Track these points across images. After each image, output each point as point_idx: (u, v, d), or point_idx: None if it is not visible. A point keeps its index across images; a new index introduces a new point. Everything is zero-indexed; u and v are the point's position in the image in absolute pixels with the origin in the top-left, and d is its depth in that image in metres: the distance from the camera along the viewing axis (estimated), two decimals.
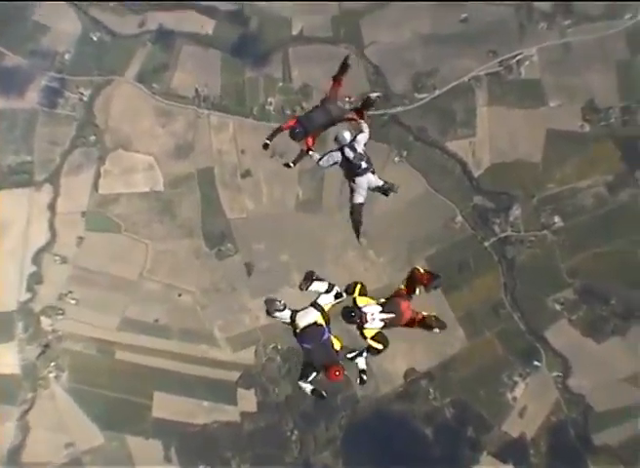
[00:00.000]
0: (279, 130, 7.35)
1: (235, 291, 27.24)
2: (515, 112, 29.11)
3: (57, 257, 28.27)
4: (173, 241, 27.71)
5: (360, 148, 6.94)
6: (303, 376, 6.43)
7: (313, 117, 6.99)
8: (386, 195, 7.05)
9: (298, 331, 6.39)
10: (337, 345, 6.41)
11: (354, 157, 6.98)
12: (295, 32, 28.54)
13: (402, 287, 6.69)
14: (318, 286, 6.60)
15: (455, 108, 28.73)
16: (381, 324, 6.37)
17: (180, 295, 27.66)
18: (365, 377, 6.84)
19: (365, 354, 6.70)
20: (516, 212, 29.14)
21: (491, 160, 29.04)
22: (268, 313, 6.57)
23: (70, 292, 27.95)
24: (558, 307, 29.18)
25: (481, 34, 28.69)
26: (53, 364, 27.93)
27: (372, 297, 6.52)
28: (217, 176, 27.53)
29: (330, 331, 6.37)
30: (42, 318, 28.05)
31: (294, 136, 6.74)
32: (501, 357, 29.27)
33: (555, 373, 29.37)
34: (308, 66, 28.55)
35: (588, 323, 29.17)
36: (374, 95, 7.38)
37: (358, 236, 6.91)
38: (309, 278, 6.68)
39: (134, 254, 27.80)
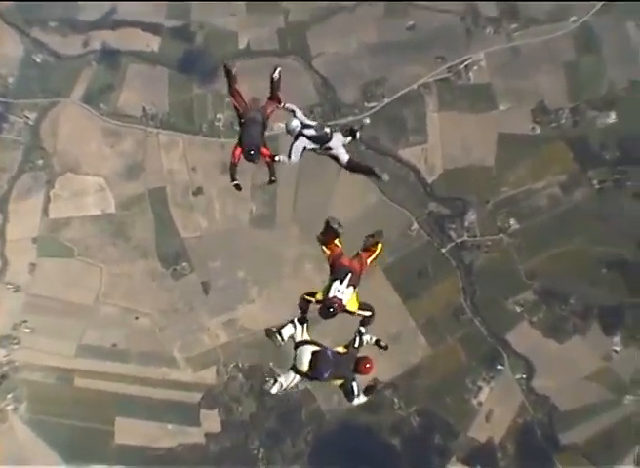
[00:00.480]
0: (234, 166, 7.75)
1: (193, 310, 27.46)
2: (466, 117, 29.71)
3: (9, 286, 28.27)
4: (127, 263, 27.82)
5: (309, 120, 7.46)
6: (350, 394, 6.63)
7: (251, 133, 7.36)
8: (354, 137, 7.93)
9: (309, 374, 6.33)
10: (341, 350, 6.51)
11: (316, 129, 7.29)
12: (241, 46, 28.79)
13: (326, 250, 6.82)
14: (286, 331, 6.69)
15: (405, 116, 29.32)
16: (352, 288, 6.48)
17: (137, 318, 27.83)
18: (383, 343, 7.02)
19: (363, 330, 6.90)
20: (471, 216, 29.73)
21: (444, 166, 29.63)
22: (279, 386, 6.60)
23: (25, 320, 27.93)
24: (518, 309, 29.79)
25: (428, 41, 29.30)
26: (10, 395, 27.91)
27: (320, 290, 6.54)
28: (169, 195, 27.73)
29: (327, 347, 6.43)
30: None
31: (251, 158, 7.39)
32: (465, 362, 29.86)
33: (519, 376, 29.93)
34: (256, 80, 28.48)
35: (549, 323, 29.78)
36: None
37: (378, 175, 7.82)
38: (272, 333, 6.75)
39: (88, 279, 27.85)
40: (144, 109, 28.43)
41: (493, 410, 29.54)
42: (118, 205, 28.28)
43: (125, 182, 28.42)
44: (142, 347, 27.97)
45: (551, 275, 29.69)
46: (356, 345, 6.56)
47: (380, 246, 6.81)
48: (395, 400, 29.00)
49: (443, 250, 29.23)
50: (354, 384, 6.38)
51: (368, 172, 7.37)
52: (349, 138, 7.29)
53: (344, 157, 6.99)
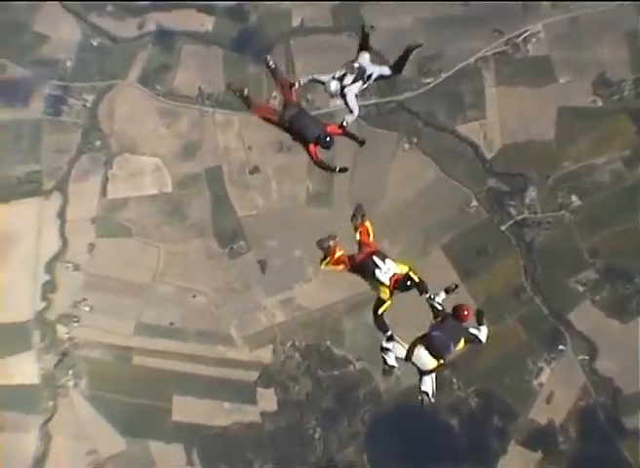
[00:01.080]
0: (321, 162, 7.59)
1: (250, 289, 27.97)
2: (525, 91, 29.69)
3: (69, 265, 29.24)
4: (184, 242, 28.50)
5: (338, 72, 7.20)
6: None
7: (306, 124, 7.21)
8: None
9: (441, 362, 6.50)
10: (435, 322, 6.63)
11: (350, 72, 7.12)
12: (295, 24, 29.16)
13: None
14: (391, 359, 7.09)
15: (463, 91, 29.42)
16: (388, 261, 6.53)
17: (194, 297, 28.45)
18: (452, 286, 7.11)
19: (429, 295, 6.83)
20: (532, 193, 29.68)
21: (502, 141, 29.68)
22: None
23: (84, 299, 28.87)
24: (581, 288, 29.57)
25: (484, 14, 29.28)
26: (71, 372, 28.97)
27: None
28: (225, 174, 28.33)
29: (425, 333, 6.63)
30: (58, 326, 29.08)
31: (327, 145, 7.37)
32: (525, 342, 29.74)
33: (581, 357, 29.72)
34: (311, 57, 29.16)
35: (612, 303, 29.52)
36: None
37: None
38: (388, 373, 7.11)
39: (145, 258, 28.63)
40: (200, 89, 29.13)
41: (554, 392, 29.40)
42: (175, 184, 29.03)
43: (181, 162, 29.13)
44: (199, 326, 28.64)
45: (614, 253, 29.40)
46: (440, 308, 6.57)
47: (367, 221, 6.93)
48: (454, 380, 29.01)
49: (503, 227, 29.17)
50: (471, 330, 6.68)
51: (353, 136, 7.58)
52: (368, 55, 7.49)
53: (385, 70, 7.31)
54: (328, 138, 6.90)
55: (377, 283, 6.48)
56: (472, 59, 29.23)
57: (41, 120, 30.21)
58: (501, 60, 29.77)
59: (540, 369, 29.63)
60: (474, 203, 29.08)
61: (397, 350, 6.76)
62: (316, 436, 29.20)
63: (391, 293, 6.50)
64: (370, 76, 7.09)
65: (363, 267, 6.51)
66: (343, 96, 6.98)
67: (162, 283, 28.90)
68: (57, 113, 30.17)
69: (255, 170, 28.21)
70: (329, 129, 7.05)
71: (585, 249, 29.42)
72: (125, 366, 28.97)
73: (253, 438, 29.28)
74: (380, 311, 6.67)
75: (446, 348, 6.37)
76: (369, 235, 7.00)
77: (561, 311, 29.60)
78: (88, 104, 30.18)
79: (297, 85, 7.50)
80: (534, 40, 29.78)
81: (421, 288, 6.46)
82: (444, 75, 29.16)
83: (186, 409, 28.90)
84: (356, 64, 6.91)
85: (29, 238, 29.90)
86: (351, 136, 7.29)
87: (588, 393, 29.64)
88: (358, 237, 7.04)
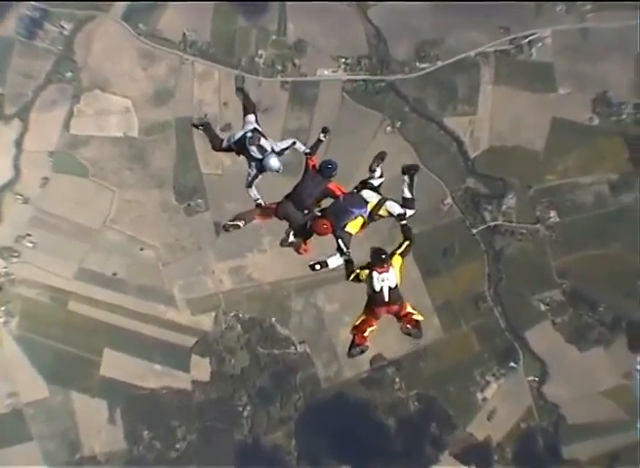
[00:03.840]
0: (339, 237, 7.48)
1: (201, 250, 29.33)
2: (521, 95, 31.36)
3: (18, 197, 30.50)
4: (141, 191, 29.74)
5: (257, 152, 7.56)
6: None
7: (309, 186, 7.54)
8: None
9: (354, 190, 7.22)
10: (352, 228, 7.04)
11: (254, 139, 7.55)
12: None
13: (408, 305, 7.12)
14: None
15: (457, 83, 30.90)
16: (377, 289, 6.81)
17: (142, 249, 29.76)
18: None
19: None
20: (510, 200, 31.43)
21: (490, 142, 31.48)
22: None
23: (29, 234, 30.05)
24: (543, 308, 31.34)
25: (495, 8, 30.48)
26: (3, 308, 30.82)
27: (401, 270, 7.06)
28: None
29: (363, 216, 7.13)
30: None
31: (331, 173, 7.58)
32: (477, 353, 31.68)
33: (531, 378, 31.57)
34: (306, 21, 30.11)
35: (573, 328, 31.32)
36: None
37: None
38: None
39: (99, 201, 29.88)
40: (184, 35, 30.34)
41: (497, 409, 31.24)
42: (141, 129, 30.34)
43: (152, 107, 30.29)
44: (143, 280, 30.00)
45: (584, 277, 31.11)
46: (338, 237, 7.10)
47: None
48: (397, 380, 30.72)
49: (474, 230, 30.86)
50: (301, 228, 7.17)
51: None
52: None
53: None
54: (330, 165, 7.33)
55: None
56: (473, 52, 30.73)
57: (13, 40, 31.03)
58: (502, 59, 31.39)
59: (488, 383, 31.75)
60: (449, 200, 30.56)
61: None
62: (245, 414, 30.81)
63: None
64: (255, 129, 7.60)
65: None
66: (280, 152, 7.54)
67: (111, 230, 30.28)
68: (30, 36, 31.22)
69: (227, 127, 29.39)
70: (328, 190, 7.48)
71: (555, 268, 31.10)
72: (60, 310, 30.38)
73: (180, 406, 30.83)
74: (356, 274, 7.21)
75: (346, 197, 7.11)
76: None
77: (519, 327, 31.72)
78: (65, 32, 31.30)
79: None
80: (540, 44, 31.43)
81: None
82: (440, 63, 30.41)
83: (116, 365, 30.29)
84: (249, 134, 7.44)
85: None
86: (319, 142, 7.82)
87: (531, 416, 31.54)
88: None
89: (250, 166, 7.37)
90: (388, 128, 30.87)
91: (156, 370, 31.00)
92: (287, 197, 7.29)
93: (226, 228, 7.42)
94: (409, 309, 6.91)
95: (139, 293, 30.77)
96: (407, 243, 7.05)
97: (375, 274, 6.57)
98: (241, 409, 31.21)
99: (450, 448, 31.45)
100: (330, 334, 30.60)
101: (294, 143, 7.59)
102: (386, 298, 6.64)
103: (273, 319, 30.84)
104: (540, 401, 31.25)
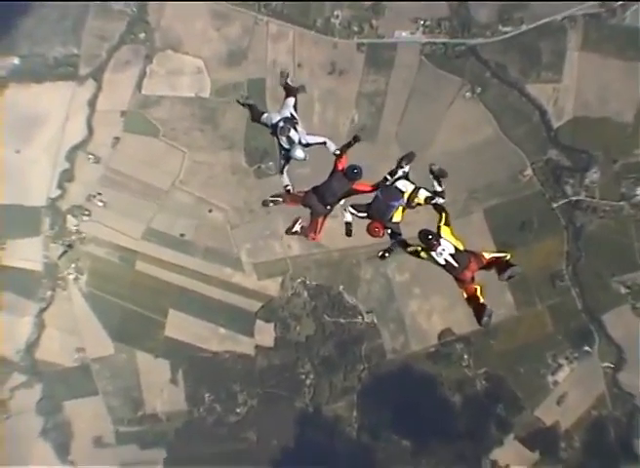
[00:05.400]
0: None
1: (270, 214, 30.31)
2: (611, 62, 31.17)
3: (90, 156, 32.23)
4: (211, 152, 30.99)
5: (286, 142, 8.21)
6: (354, 207, 7.96)
7: (334, 186, 8.08)
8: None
9: (388, 181, 7.92)
10: (396, 215, 7.80)
11: (286, 128, 8.16)
12: None
13: (485, 254, 7.51)
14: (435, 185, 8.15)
15: (542, 48, 31.11)
16: (443, 262, 7.34)
17: (210, 211, 30.95)
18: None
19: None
20: (594, 175, 31.38)
21: (574, 112, 31.48)
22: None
23: (99, 193, 31.81)
24: (623, 290, 31.08)
25: None
26: (73, 265, 33.12)
27: (454, 234, 7.57)
28: (267, 88, 30.24)
29: (403, 205, 7.83)
30: (69, 217, 32.45)
31: (355, 176, 8.11)
32: (550, 334, 31.81)
33: (606, 364, 31.44)
34: None
35: None
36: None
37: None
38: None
39: (168, 162, 31.22)
40: None
41: (567, 394, 31.61)
42: (213, 90, 31.57)
43: (224, 68, 31.42)
44: (210, 242, 31.24)
45: None
46: (389, 225, 7.91)
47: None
48: (465, 356, 31.21)
49: (554, 204, 30.72)
50: (364, 214, 7.98)
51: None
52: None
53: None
54: (355, 170, 7.83)
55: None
56: (560, 16, 30.82)
57: (88, 3, 32.00)
58: (592, 23, 31.23)
59: (560, 366, 32.05)
60: (529, 172, 30.57)
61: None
62: (307, 382, 31.85)
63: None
64: (291, 114, 8.21)
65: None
66: (307, 145, 8.02)
67: (180, 191, 31.62)
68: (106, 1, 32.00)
69: (301, 89, 29.02)
70: (358, 186, 8.10)
71: (638, 249, 30.76)
72: (127, 269, 32.02)
73: (242, 370, 32.20)
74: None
75: (384, 193, 7.92)
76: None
77: (596, 310, 32.01)
78: None
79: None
80: (634, 7, 31.36)
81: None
82: (525, 27, 30.18)
83: (180, 327, 31.67)
84: (281, 123, 7.98)
85: (56, 122, 33.21)
86: (349, 145, 8.30)
87: (604, 404, 31.51)
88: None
89: (280, 153, 8.11)
90: (468, 93, 31.24)
91: (220, 334, 32.39)
92: (314, 190, 7.95)
93: (266, 203, 8.29)
94: (488, 256, 7.46)
95: (205, 256, 32.29)
96: (444, 214, 7.67)
97: (432, 253, 7.29)
98: (304, 377, 32.35)
99: (515, 431, 32.17)
100: (398, 305, 31.33)
101: (324, 142, 8.10)
102: (455, 264, 7.24)
103: (341, 287, 31.81)
104: (614, 389, 31.25)
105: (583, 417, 31.12)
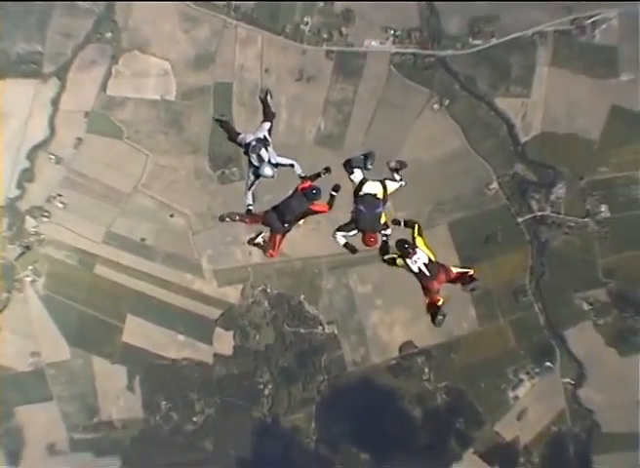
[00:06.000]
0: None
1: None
2: (580, 79, 31.07)
3: (52, 157, 31.66)
4: (175, 156, 30.55)
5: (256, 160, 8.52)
6: (342, 228, 8.27)
7: (292, 205, 8.40)
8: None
9: (360, 193, 8.20)
10: (382, 219, 8.18)
11: (257, 147, 8.50)
12: None
13: (453, 268, 8.04)
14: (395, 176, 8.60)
15: (511, 62, 31.13)
16: (416, 270, 7.79)
17: (171, 216, 30.54)
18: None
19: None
20: (560, 190, 31.29)
21: (542, 127, 31.27)
22: (347, 167, 8.52)
23: (60, 195, 31.28)
24: (586, 307, 31.07)
25: None
26: (31, 267, 32.49)
27: (427, 245, 8.05)
28: (234, 93, 29.82)
29: (383, 208, 8.23)
30: (27, 218, 31.77)
31: (315, 197, 8.38)
32: (512, 349, 31.60)
33: (567, 380, 31.37)
34: None
35: (616, 331, 30.96)
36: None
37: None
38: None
39: (131, 165, 30.79)
40: None
41: (528, 409, 31.64)
42: (179, 93, 31.25)
43: (191, 71, 31.02)
44: (171, 248, 30.96)
45: (632, 278, 30.63)
46: (384, 231, 8.25)
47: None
48: (426, 370, 31.07)
49: (519, 219, 30.87)
50: (354, 231, 8.22)
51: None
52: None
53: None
54: (314, 192, 8.20)
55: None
56: (530, 31, 30.85)
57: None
58: (562, 40, 31.09)
59: (520, 381, 32.05)
60: (495, 185, 30.53)
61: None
62: (266, 392, 31.54)
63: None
64: (264, 136, 8.60)
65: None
66: (276, 165, 8.41)
67: (142, 194, 31.22)
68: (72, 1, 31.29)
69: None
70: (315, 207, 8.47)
71: (602, 266, 30.78)
72: (86, 273, 31.54)
73: (200, 379, 31.76)
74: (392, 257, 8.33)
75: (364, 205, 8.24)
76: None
77: (558, 325, 32.05)
78: None
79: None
80: (604, 26, 30.98)
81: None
82: (495, 41, 30.18)
83: (138, 333, 31.16)
84: (253, 142, 8.38)
85: (18, 120, 32.59)
86: (318, 175, 8.67)
87: (564, 420, 31.43)
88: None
89: (249, 171, 8.49)
90: (436, 105, 30.99)
91: (178, 341, 31.93)
92: (273, 208, 8.34)
93: (222, 218, 8.76)
94: (455, 270, 7.99)
95: (166, 261, 31.83)
96: (416, 226, 8.19)
97: (407, 261, 7.77)
98: (262, 386, 31.99)
99: (475, 445, 31.99)
100: (360, 317, 31.06)
101: (292, 165, 8.50)
102: (428, 273, 7.73)
103: (302, 296, 31.52)
104: (574, 405, 31.19)
105: (543, 433, 31.01)
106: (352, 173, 8.40)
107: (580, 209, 30.59)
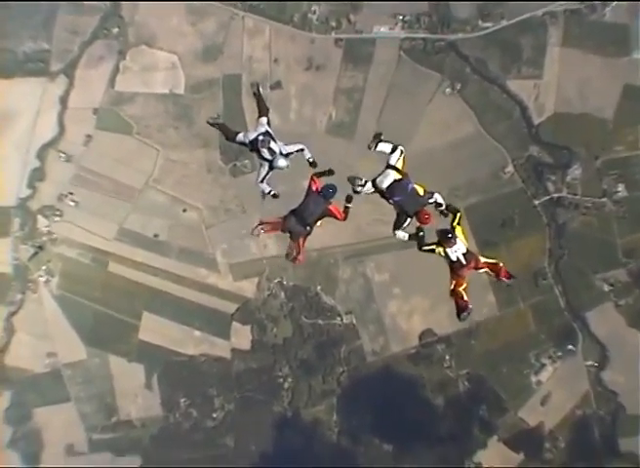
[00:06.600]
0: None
1: (245, 213, 29.70)
2: (591, 58, 30.64)
3: (62, 155, 31.34)
4: (186, 150, 30.15)
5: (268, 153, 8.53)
6: (398, 226, 8.16)
7: (311, 206, 8.42)
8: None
9: (385, 191, 8.07)
10: (420, 191, 8.06)
11: (266, 141, 8.47)
12: None
13: (482, 259, 8.23)
14: (384, 146, 8.40)
15: (522, 44, 30.78)
16: (455, 259, 7.88)
17: (184, 211, 30.13)
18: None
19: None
20: (576, 171, 30.78)
21: (555, 108, 30.83)
22: (354, 191, 8.32)
23: (71, 193, 30.94)
24: (606, 288, 30.58)
25: None
26: (44, 267, 32.18)
27: (464, 233, 8.16)
28: (244, 85, 29.50)
29: (410, 181, 8.09)
30: (39, 217, 31.63)
31: (330, 194, 8.38)
32: (533, 333, 31.04)
33: (590, 362, 30.90)
34: None
35: (637, 311, 30.40)
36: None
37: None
38: (377, 138, 8.38)
39: (142, 160, 30.43)
40: None
41: (551, 394, 31.17)
42: (188, 86, 30.84)
43: (200, 64, 30.67)
44: (185, 243, 30.56)
45: None
46: (431, 200, 8.17)
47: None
48: (447, 357, 30.66)
49: (536, 201, 30.68)
50: (408, 219, 8.02)
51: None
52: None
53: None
54: (331, 189, 8.19)
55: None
56: (540, 12, 30.65)
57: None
58: (573, 19, 30.69)
59: (543, 365, 31.58)
60: (510, 168, 30.05)
61: (393, 158, 8.33)
62: (285, 385, 31.07)
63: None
64: (266, 131, 8.54)
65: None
66: (287, 154, 8.40)
67: (154, 190, 30.84)
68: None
69: (277, 85, 29.35)
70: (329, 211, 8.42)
71: (621, 246, 30.36)
72: (100, 271, 31.17)
73: (218, 374, 31.37)
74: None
75: (394, 194, 8.05)
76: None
77: (579, 308, 31.20)
78: None
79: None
80: (614, 4, 30.45)
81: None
82: (505, 22, 29.81)
83: (155, 330, 30.72)
84: (260, 137, 8.36)
85: (27, 119, 32.20)
86: (321, 174, 8.66)
87: (588, 403, 30.90)
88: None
89: (261, 164, 8.51)
90: (448, 89, 30.63)
91: (195, 337, 31.43)
92: (292, 212, 8.36)
93: (252, 233, 8.70)
94: (483, 260, 8.18)
95: (180, 256, 31.45)
96: (458, 214, 8.19)
97: (448, 250, 7.85)
98: (281, 380, 31.49)
99: (499, 432, 31.35)
100: (378, 306, 30.60)
101: (302, 149, 8.52)
102: (464, 262, 7.91)
103: (319, 287, 31.06)
104: (597, 387, 30.68)
105: (568, 417, 30.56)
106: (362, 186, 8.25)
107: (596, 189, 30.18)
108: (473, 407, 30.91)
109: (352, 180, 8.23)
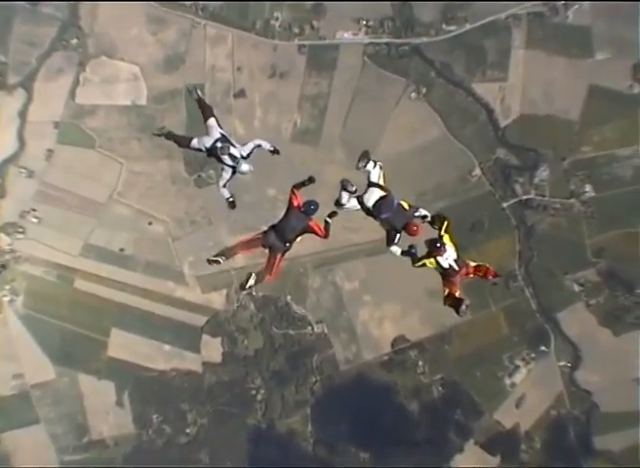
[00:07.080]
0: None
1: (212, 224, 29.26)
2: (556, 60, 30.69)
3: (23, 170, 30.53)
4: (150, 162, 29.67)
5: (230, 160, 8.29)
6: (390, 241, 8.09)
7: (292, 222, 8.14)
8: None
9: (371, 209, 7.99)
10: (405, 206, 8.06)
11: (225, 148, 8.21)
12: None
13: (472, 263, 8.27)
14: (368, 165, 8.20)
15: (487, 47, 30.89)
16: (447, 266, 7.91)
17: (150, 224, 29.65)
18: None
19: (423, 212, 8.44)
20: (543, 173, 30.75)
21: (521, 110, 30.77)
22: (338, 204, 8.12)
23: (34, 209, 30.18)
24: (577, 288, 30.67)
25: None
26: (8, 287, 31.46)
27: (452, 240, 8.12)
28: (207, 94, 29.39)
29: (395, 198, 8.03)
30: (1, 235, 31.43)
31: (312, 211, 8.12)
32: (505, 336, 31.08)
33: (563, 363, 30.98)
34: None
35: (608, 311, 30.58)
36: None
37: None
38: (366, 156, 8.09)
39: (106, 174, 29.78)
40: None
41: (526, 396, 31.38)
42: (150, 97, 30.37)
43: (161, 74, 30.18)
44: (151, 256, 30.28)
45: (621, 257, 30.26)
46: (417, 213, 8.11)
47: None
48: (420, 363, 30.46)
49: (504, 204, 30.61)
50: (398, 235, 7.97)
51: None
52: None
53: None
54: (312, 206, 7.94)
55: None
56: (503, 15, 30.68)
57: (15, 6, 30.34)
58: (536, 22, 30.65)
59: (516, 367, 31.50)
60: (477, 172, 30.07)
61: (374, 175, 8.10)
62: (258, 397, 30.81)
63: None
64: (221, 134, 8.34)
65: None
66: (247, 156, 8.26)
67: (119, 203, 30.32)
68: (34, 1, 29.98)
69: (240, 94, 28.98)
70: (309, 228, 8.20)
71: (590, 246, 30.41)
72: (66, 288, 30.54)
73: (190, 388, 30.92)
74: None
75: (380, 211, 7.89)
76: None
77: (551, 309, 31.25)
78: None
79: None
80: (576, 6, 30.48)
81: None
82: (469, 26, 29.84)
83: (124, 346, 30.24)
84: (219, 144, 8.14)
85: None
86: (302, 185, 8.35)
87: (562, 403, 31.01)
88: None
89: (223, 169, 8.30)
90: (413, 94, 30.41)
91: (165, 351, 30.98)
92: (272, 228, 8.13)
93: (209, 262, 8.31)
94: (472, 264, 8.23)
95: (147, 270, 30.88)
96: (446, 222, 8.15)
97: (439, 258, 7.88)
98: (254, 392, 31.14)
99: (475, 436, 31.05)
100: (349, 314, 30.36)
101: (258, 146, 8.38)
102: (456, 268, 7.95)
103: (289, 297, 30.72)
104: (571, 387, 30.71)
105: (543, 418, 30.59)
106: (354, 193, 8.04)
107: (564, 190, 30.18)
108: (448, 411, 30.74)
109: (345, 184, 7.95)
